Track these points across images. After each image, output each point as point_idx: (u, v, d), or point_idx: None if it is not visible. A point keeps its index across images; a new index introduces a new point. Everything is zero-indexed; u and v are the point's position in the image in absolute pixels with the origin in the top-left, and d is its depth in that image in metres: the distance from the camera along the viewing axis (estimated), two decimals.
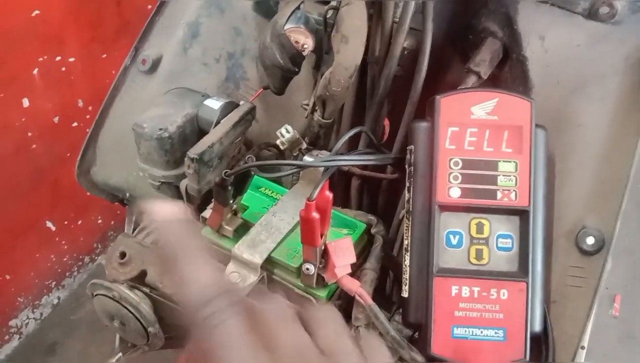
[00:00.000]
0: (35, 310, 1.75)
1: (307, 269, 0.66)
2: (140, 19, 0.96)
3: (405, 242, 0.67)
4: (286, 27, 0.74)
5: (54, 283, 1.79)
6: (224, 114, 0.76)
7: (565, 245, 0.68)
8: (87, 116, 1.68)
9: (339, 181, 0.82)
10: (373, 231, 0.74)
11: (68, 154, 1.63)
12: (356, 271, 0.70)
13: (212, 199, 0.71)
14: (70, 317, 1.77)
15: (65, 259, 1.80)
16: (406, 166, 0.68)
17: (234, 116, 0.75)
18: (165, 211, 0.36)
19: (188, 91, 0.82)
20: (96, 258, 1.91)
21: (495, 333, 0.64)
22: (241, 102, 0.79)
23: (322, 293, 0.68)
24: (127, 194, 0.93)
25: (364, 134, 0.77)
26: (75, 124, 1.67)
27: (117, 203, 0.99)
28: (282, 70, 0.75)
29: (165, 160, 0.75)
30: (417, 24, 0.72)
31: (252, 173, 0.68)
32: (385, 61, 0.74)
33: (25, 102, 1.51)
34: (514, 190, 0.64)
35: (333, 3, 0.74)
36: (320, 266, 0.66)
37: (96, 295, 0.74)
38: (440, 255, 0.65)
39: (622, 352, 0.68)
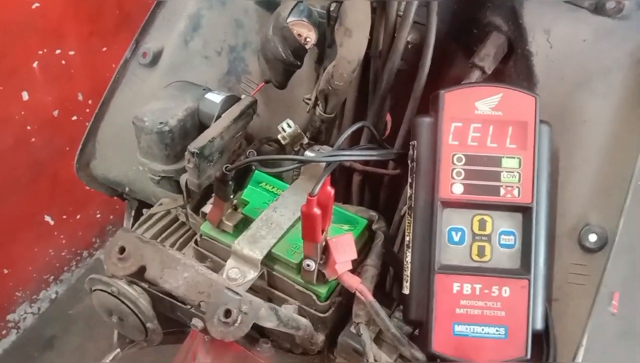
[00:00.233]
0: (33, 305, 1.74)
1: (308, 265, 0.65)
2: (141, 12, 0.95)
3: (407, 238, 0.67)
4: (289, 20, 0.73)
5: (52, 277, 1.78)
6: (225, 108, 0.75)
7: (567, 242, 0.67)
8: (87, 110, 1.67)
9: (341, 176, 0.81)
10: (374, 227, 0.74)
11: (67, 148, 1.62)
12: (357, 267, 0.70)
13: (213, 194, 0.71)
14: (68, 312, 1.76)
15: (63, 253, 1.79)
16: (408, 162, 0.68)
17: (235, 110, 0.74)
18: None
19: (189, 84, 0.82)
20: (94, 252, 1.90)
21: (497, 330, 0.63)
22: (242, 96, 0.79)
23: (323, 290, 0.67)
24: (127, 189, 0.92)
25: (366, 129, 0.76)
26: (74, 117, 1.66)
27: (116, 198, 0.99)
28: (284, 63, 0.74)
29: (166, 154, 0.75)
30: (421, 18, 0.71)
31: (253, 168, 0.68)
32: (388, 55, 0.73)
33: (25, 96, 1.50)
34: (517, 187, 0.64)
35: None
36: (321, 262, 0.65)
37: (94, 290, 0.74)
38: (442, 252, 0.64)
39: (621, 349, 0.67)
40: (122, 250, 0.59)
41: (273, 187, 0.76)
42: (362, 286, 0.65)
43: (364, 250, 0.72)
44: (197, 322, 0.67)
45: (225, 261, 0.68)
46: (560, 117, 0.68)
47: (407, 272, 0.66)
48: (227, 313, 0.56)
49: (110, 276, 0.69)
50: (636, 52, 0.68)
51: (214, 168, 0.72)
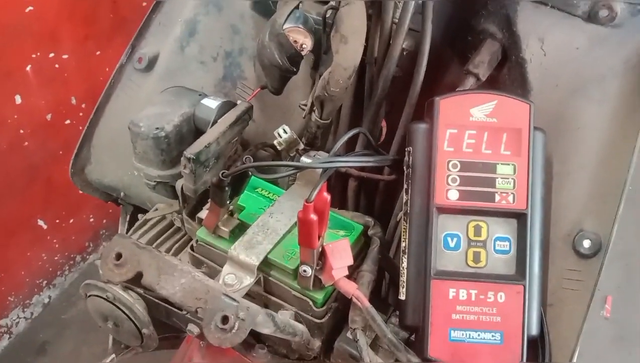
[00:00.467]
0: (25, 309, 1.73)
1: (304, 271, 0.65)
2: (136, 16, 0.95)
3: (403, 244, 0.67)
4: (285, 26, 0.73)
5: (45, 282, 1.77)
6: (221, 114, 0.76)
7: (562, 248, 0.68)
8: (81, 114, 1.66)
9: (336, 182, 0.81)
10: (370, 232, 0.74)
11: (61, 152, 1.62)
12: (353, 273, 0.70)
13: (209, 200, 0.71)
14: (61, 316, 1.75)
15: (56, 258, 1.78)
16: (404, 168, 0.68)
17: (231, 115, 0.74)
18: None
19: (185, 89, 0.82)
20: (88, 257, 1.89)
21: (493, 336, 0.64)
22: (238, 102, 0.79)
23: (319, 295, 0.67)
24: (122, 194, 0.92)
25: (362, 135, 0.76)
26: (68, 121, 1.65)
27: (110, 202, 0.98)
28: (280, 70, 0.74)
29: (161, 160, 0.75)
30: (416, 24, 0.72)
31: (250, 173, 0.68)
32: (384, 62, 0.73)
33: (18, 99, 1.49)
34: (512, 193, 0.64)
35: (332, 3, 0.73)
36: (317, 268, 0.65)
37: (89, 296, 0.74)
38: (438, 258, 0.65)
39: (614, 354, 0.68)
40: (118, 256, 0.59)
41: (269, 193, 0.76)
42: (358, 292, 0.65)
43: (359, 255, 0.73)
44: (192, 328, 0.67)
45: (222, 267, 0.68)
46: (554, 124, 0.69)
47: (403, 278, 0.67)
48: (225, 319, 0.56)
49: (106, 282, 0.69)
50: (630, 60, 0.69)
51: (210, 174, 0.72)
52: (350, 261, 0.65)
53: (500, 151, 0.65)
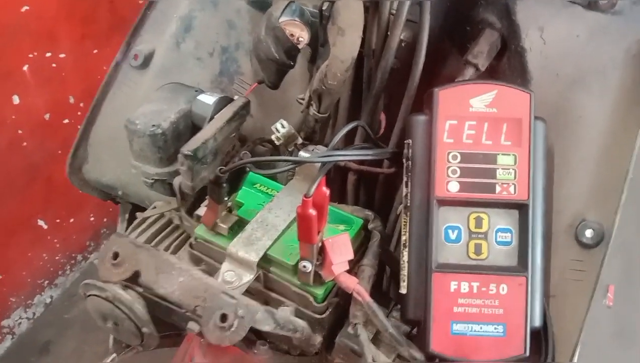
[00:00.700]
0: (27, 310, 1.73)
1: (304, 266, 0.65)
2: (134, 14, 0.94)
3: (403, 238, 0.66)
4: (281, 19, 0.73)
5: (46, 282, 1.77)
6: (217, 110, 0.75)
7: (564, 238, 0.67)
8: (79, 113, 1.66)
9: (335, 176, 0.80)
10: (370, 226, 0.73)
11: (59, 152, 1.61)
12: (353, 267, 0.69)
13: (207, 197, 0.70)
14: (63, 316, 1.75)
15: (57, 257, 1.78)
16: (404, 161, 0.67)
17: (228, 111, 0.74)
18: None
19: (181, 86, 0.81)
20: (89, 256, 1.89)
21: (495, 328, 0.63)
22: (235, 97, 0.78)
23: (320, 291, 0.67)
24: (120, 192, 0.91)
25: (360, 129, 0.76)
26: (66, 121, 1.64)
27: (109, 201, 0.98)
28: (277, 64, 0.74)
29: (159, 157, 0.74)
30: (414, 15, 0.71)
31: (247, 169, 0.67)
32: (382, 54, 0.72)
33: (16, 99, 1.48)
34: (513, 183, 0.63)
35: None
36: (318, 263, 0.65)
37: (89, 296, 0.73)
38: (439, 250, 0.64)
39: (615, 346, 0.68)
40: (116, 255, 0.59)
41: (268, 188, 0.75)
42: (359, 287, 0.64)
43: (360, 249, 0.72)
44: (193, 326, 0.67)
45: (221, 264, 0.68)
46: (555, 114, 0.68)
47: (404, 272, 0.66)
48: (224, 317, 0.55)
49: (105, 281, 0.68)
50: (631, 49, 0.68)
51: (208, 170, 0.71)
52: (351, 256, 0.65)
53: (501, 141, 0.64)
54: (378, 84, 0.73)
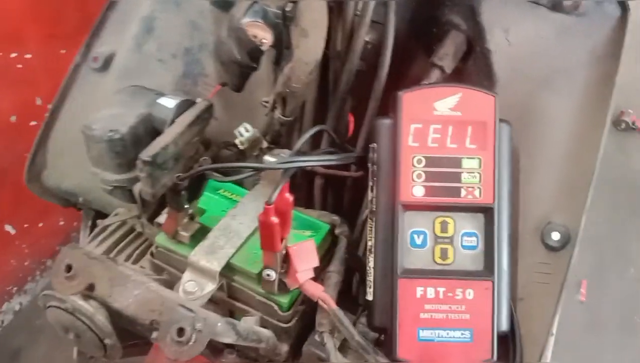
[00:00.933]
0: None
1: (268, 275, 0.63)
2: None
3: (369, 243, 0.65)
4: (243, 21, 0.70)
5: (15, 288, 1.72)
6: (179, 113, 0.72)
7: (531, 241, 0.67)
8: (47, 115, 1.62)
9: (302, 180, 0.79)
10: (337, 232, 0.72)
11: (27, 155, 1.57)
12: (320, 274, 0.68)
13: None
14: (34, 322, 1.71)
15: (26, 263, 1.73)
16: (369, 165, 0.66)
17: (190, 115, 0.71)
18: None
19: (141, 89, 0.78)
20: None
21: (462, 334, 0.62)
22: (198, 100, 0.76)
23: (285, 299, 0.65)
24: (81, 199, 0.89)
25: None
26: (34, 123, 1.60)
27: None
28: (239, 66, 0.72)
29: (117, 163, 0.71)
30: (380, 16, 0.70)
31: (207, 176, 0.65)
32: (347, 56, 0.71)
33: None
34: (478, 187, 0.63)
35: None
36: (282, 271, 0.63)
37: (49, 307, 0.71)
38: (405, 256, 0.63)
39: (590, 339, 0.68)
40: (68, 268, 0.57)
41: (232, 194, 0.73)
42: (324, 295, 0.63)
43: (327, 255, 0.71)
44: (157, 335, 0.65)
45: (183, 274, 0.66)
46: (521, 116, 0.68)
47: (370, 278, 0.65)
48: (180, 331, 0.53)
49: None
50: (596, 50, 0.68)
51: (169, 176, 0.69)
52: (316, 263, 0.63)
53: (466, 144, 0.63)
54: (343, 87, 0.72)
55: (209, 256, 0.65)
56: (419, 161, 0.63)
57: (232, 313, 0.69)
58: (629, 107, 0.67)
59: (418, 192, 0.63)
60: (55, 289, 0.59)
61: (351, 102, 0.76)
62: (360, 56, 0.71)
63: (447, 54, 0.71)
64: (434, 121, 0.63)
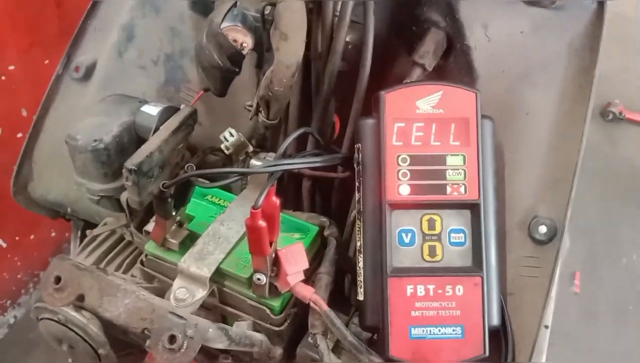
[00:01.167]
0: None
1: (258, 279, 0.63)
2: None
3: (358, 243, 0.66)
4: (223, 25, 0.70)
5: (9, 302, 1.71)
6: (163, 120, 0.72)
7: (518, 235, 0.67)
8: (31, 126, 1.60)
9: (290, 182, 0.79)
10: (326, 233, 0.72)
11: (14, 167, 1.55)
12: (310, 275, 0.68)
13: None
14: (28, 335, 1.70)
15: (19, 276, 1.72)
16: (354, 165, 0.66)
17: (174, 121, 0.71)
18: None
19: (124, 97, 0.78)
20: None
21: (453, 330, 0.63)
22: (182, 106, 0.76)
23: (276, 303, 0.65)
24: (69, 209, 0.88)
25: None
26: (20, 134, 1.58)
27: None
28: (221, 71, 0.72)
29: (103, 173, 0.71)
30: (359, 17, 0.70)
31: (193, 182, 0.65)
32: (328, 57, 0.71)
33: None
34: (463, 184, 0.63)
35: None
36: (272, 275, 0.63)
37: (41, 319, 0.70)
38: (394, 255, 0.63)
39: (584, 328, 0.68)
40: (57, 279, 0.56)
41: (219, 199, 0.73)
42: (316, 296, 0.63)
43: (317, 257, 0.71)
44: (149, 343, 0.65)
45: (173, 281, 0.66)
46: (503, 111, 0.68)
47: (360, 278, 0.65)
48: (172, 339, 0.53)
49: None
50: (574, 42, 0.68)
51: (155, 184, 0.69)
52: (306, 265, 0.63)
53: (449, 142, 0.64)
54: (326, 88, 0.72)
55: (199, 262, 0.65)
56: (404, 160, 0.63)
57: (224, 319, 0.69)
58: (616, 97, 0.68)
59: (404, 191, 0.63)
60: (45, 301, 0.59)
61: (335, 103, 0.76)
62: (341, 57, 0.71)
63: (428, 52, 0.71)
64: (417, 119, 0.63)
